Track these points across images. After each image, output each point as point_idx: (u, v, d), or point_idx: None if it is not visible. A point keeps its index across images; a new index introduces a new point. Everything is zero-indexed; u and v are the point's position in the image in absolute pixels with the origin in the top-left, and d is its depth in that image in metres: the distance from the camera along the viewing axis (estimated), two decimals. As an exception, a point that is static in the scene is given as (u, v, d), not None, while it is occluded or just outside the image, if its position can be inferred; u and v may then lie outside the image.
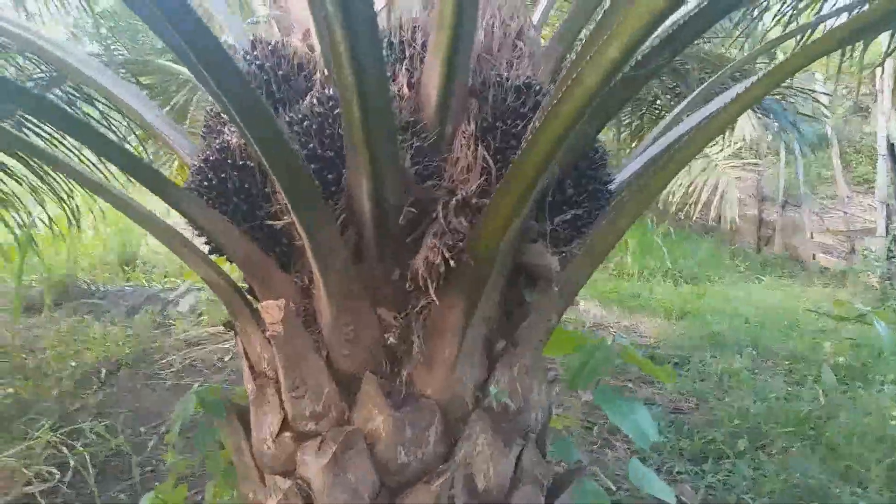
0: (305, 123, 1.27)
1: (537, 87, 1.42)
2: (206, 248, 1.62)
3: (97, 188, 1.47)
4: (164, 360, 4.48)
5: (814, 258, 8.93)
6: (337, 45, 0.91)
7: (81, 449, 3.09)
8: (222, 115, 1.59)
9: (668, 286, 6.85)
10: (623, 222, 1.43)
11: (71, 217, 5.03)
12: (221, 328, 5.17)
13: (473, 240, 1.27)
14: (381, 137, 1.10)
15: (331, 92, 1.29)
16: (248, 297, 1.67)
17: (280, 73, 1.41)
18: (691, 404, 3.74)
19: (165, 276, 7.32)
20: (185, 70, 2.75)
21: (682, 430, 3.41)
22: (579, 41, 1.66)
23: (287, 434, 1.55)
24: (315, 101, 1.29)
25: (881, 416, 3.24)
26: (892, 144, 7.22)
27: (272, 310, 1.43)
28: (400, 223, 1.30)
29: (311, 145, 1.28)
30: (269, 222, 1.43)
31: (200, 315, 5.37)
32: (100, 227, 6.80)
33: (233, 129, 1.50)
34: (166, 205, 1.40)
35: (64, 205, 4.89)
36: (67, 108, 3.08)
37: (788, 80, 3.77)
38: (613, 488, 2.81)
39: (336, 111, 1.25)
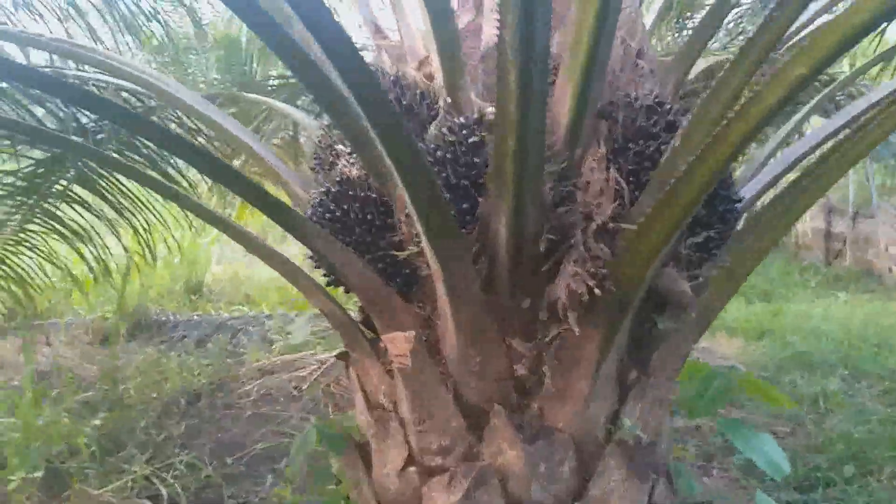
0: (438, 153, 1.25)
1: (668, 107, 1.36)
2: (322, 280, 1.61)
3: (218, 221, 1.48)
4: (240, 390, 4.52)
5: (890, 271, 8.54)
6: (507, 75, 0.88)
7: (173, 481, 3.11)
8: (336, 146, 1.58)
9: (741, 304, 6.63)
10: (765, 244, 1.35)
11: (146, 249, 5.17)
12: (292, 356, 5.21)
13: (616, 266, 1.22)
14: (531, 167, 1.07)
15: (462, 120, 1.26)
16: (364, 329, 1.64)
17: (404, 102, 1.39)
18: (787, 429, 3.58)
19: (232, 304, 7.43)
20: (268, 100, 2.79)
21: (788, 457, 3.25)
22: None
23: (412, 469, 1.51)
24: (446, 130, 1.26)
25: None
26: (977, 150, 6.87)
27: (399, 341, 1.40)
28: (537, 251, 1.26)
29: (443, 175, 1.25)
30: (394, 253, 1.41)
31: (272, 344, 5.41)
32: (168, 258, 6.94)
33: (351, 160, 1.48)
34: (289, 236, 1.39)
35: (139, 237, 5.01)
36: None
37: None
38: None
39: (471, 140, 1.22)
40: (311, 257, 1.56)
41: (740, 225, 1.57)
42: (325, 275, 1.58)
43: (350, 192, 1.43)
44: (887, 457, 3.04)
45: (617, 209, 1.30)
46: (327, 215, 1.44)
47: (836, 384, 4.07)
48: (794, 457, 3.20)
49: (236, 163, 3.55)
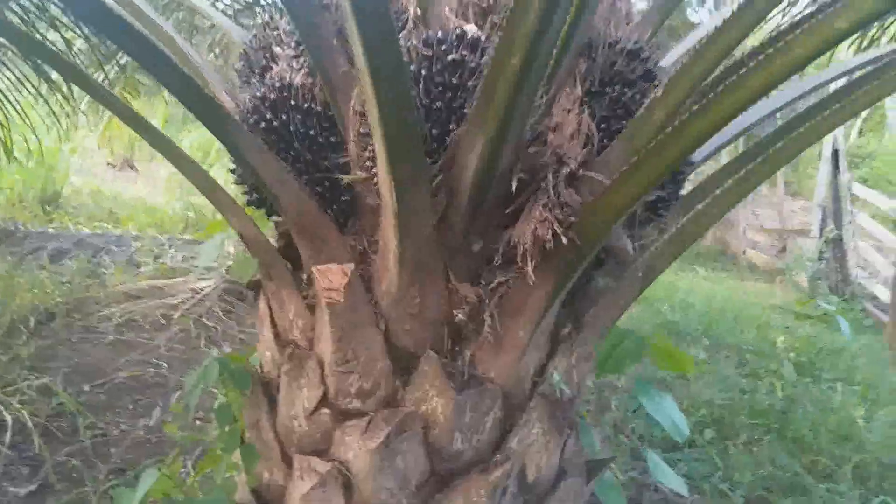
0: (411, 68, 1.11)
1: (647, 54, 1.30)
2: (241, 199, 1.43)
3: (131, 117, 1.26)
4: (101, 313, 4.14)
5: (744, 253, 9.27)
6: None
7: (20, 406, 2.79)
8: (273, 48, 1.39)
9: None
10: (717, 211, 1.33)
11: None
12: (161, 282, 4.85)
13: (585, 216, 1.15)
14: (526, 95, 0.96)
15: (440, 35, 1.12)
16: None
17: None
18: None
19: (93, 221, 6.81)
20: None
21: (650, 418, 3.43)
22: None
23: (325, 411, 1.39)
24: (420, 42, 1.12)
25: (845, 413, 3.37)
26: (836, 150, 7.54)
27: (334, 274, 1.27)
28: (504, 190, 1.16)
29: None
30: (339, 176, 1.26)
31: (139, 267, 5.00)
32: (21, 161, 6.20)
33: (296, 64, 1.30)
34: (220, 142, 1.20)
35: (-5, 132, 4.43)
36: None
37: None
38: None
39: (450, 57, 1.09)
40: (234, 171, 1.38)
41: (685, 189, 1.55)
42: (246, 193, 1.40)
43: (292, 102, 1.26)
44: (745, 424, 3.29)
45: (586, 156, 1.22)
46: (262, 125, 1.26)
47: (701, 353, 4.35)
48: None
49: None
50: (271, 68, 1.39)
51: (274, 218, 1.47)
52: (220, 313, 4.62)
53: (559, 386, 1.44)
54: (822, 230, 7.71)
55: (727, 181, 1.30)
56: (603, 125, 1.26)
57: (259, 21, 1.52)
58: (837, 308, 5.68)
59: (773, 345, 4.68)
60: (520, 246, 1.17)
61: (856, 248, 7.96)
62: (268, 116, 1.25)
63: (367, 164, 1.23)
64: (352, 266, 1.24)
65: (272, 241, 1.52)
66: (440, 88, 1.09)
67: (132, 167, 11.14)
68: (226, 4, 3.13)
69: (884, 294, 7.28)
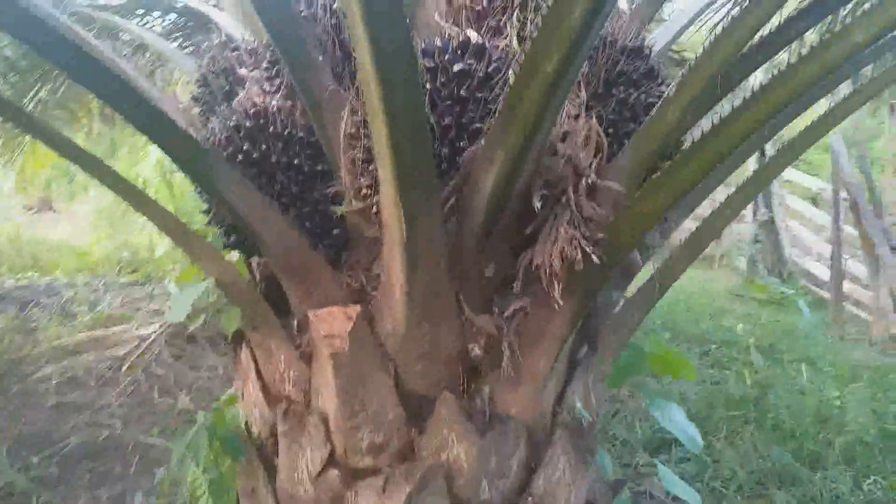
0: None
1: (647, 51, 1.21)
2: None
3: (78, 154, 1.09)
4: (38, 374, 3.81)
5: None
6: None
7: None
8: (238, 70, 1.24)
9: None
10: (732, 211, 1.26)
11: None
12: (101, 332, 4.52)
13: (611, 231, 1.05)
14: (557, 101, 0.85)
15: (439, 43, 1.01)
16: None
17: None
18: (626, 392, 3.73)
19: (14, 271, 6.33)
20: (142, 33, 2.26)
21: (627, 420, 3.38)
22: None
23: (334, 472, 1.24)
24: (419, 53, 1.00)
25: (818, 395, 3.39)
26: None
27: (335, 319, 1.13)
28: (522, 208, 1.05)
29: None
30: (333, 208, 1.12)
31: (75, 318, 4.65)
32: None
33: (270, 87, 1.16)
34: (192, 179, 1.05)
35: None
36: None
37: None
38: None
39: (456, 67, 0.97)
40: (208, 211, 1.22)
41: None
42: (223, 234, 1.25)
43: (271, 129, 1.12)
44: (724, 416, 3.27)
45: (598, 164, 1.13)
46: (239, 157, 1.11)
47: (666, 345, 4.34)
48: (635, 419, 3.34)
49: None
50: (236, 93, 1.25)
51: (255, 259, 1.32)
52: (170, 359, 4.35)
53: (581, 414, 1.34)
54: (755, 214, 7.91)
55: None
56: (610, 129, 1.17)
57: (210, 42, 1.37)
58: (785, 289, 5.82)
59: (733, 331, 4.72)
60: (544, 268, 1.06)
61: (787, 229, 8.23)
62: (245, 147, 1.11)
63: (364, 192, 1.09)
64: (357, 309, 1.10)
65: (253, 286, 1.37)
66: (448, 102, 0.97)
67: (51, 208, 10.52)
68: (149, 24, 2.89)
69: (818, 270, 7.54)
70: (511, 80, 0.87)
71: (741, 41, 0.99)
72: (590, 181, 1.06)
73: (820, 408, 3.23)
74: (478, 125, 1.00)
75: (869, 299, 6.01)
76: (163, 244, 5.75)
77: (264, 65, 1.18)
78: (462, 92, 0.97)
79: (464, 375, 1.23)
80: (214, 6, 1.81)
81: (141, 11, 2.64)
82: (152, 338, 4.19)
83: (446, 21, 1.12)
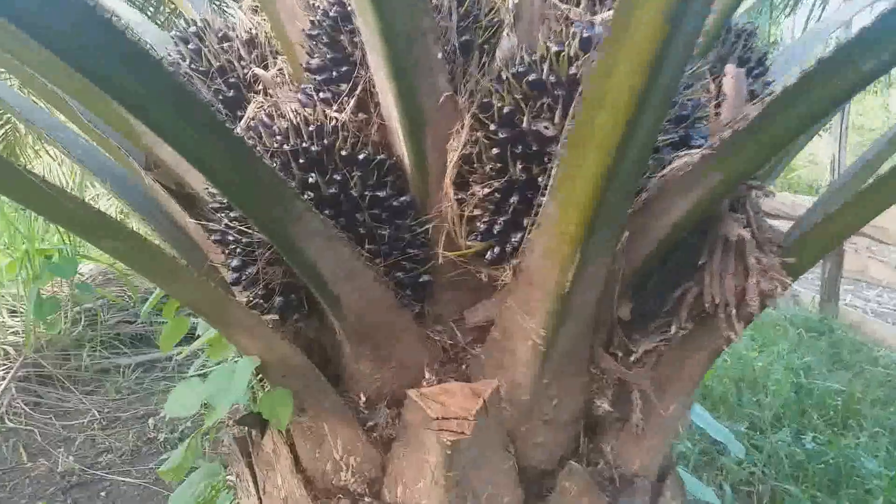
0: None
1: (756, 35, 1.05)
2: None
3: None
4: None
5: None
6: None
7: None
8: (246, 67, 0.91)
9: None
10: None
11: None
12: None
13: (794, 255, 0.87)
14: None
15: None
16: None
17: None
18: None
19: None
20: None
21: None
22: None
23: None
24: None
25: (740, 358, 3.50)
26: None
27: (453, 396, 0.86)
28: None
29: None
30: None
31: None
32: None
33: (324, 95, 0.85)
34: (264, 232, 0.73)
35: None
36: None
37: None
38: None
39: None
40: (238, 268, 0.89)
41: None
42: (260, 298, 0.92)
43: (343, 152, 0.81)
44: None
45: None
46: (304, 194, 0.80)
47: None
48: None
49: None
50: (246, 101, 0.92)
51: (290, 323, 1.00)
52: (27, 408, 3.69)
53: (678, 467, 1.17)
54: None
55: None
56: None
57: (184, 32, 1.02)
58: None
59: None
60: (722, 305, 0.86)
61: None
62: (311, 180, 0.80)
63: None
64: (492, 384, 0.84)
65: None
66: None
67: None
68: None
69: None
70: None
71: None
72: (761, 192, 0.87)
73: (747, 372, 3.34)
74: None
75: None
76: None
77: (315, 64, 0.86)
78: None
79: (585, 436, 1.01)
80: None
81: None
82: (1, 385, 3.48)
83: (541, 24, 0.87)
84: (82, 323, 4.31)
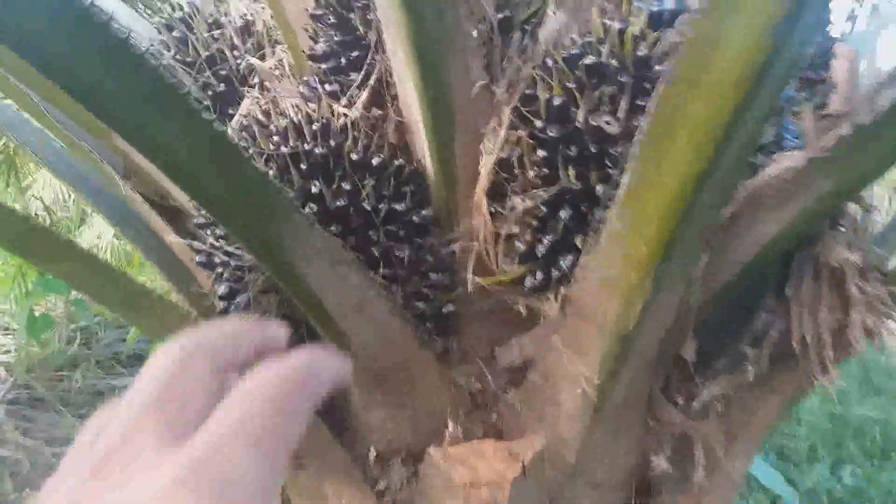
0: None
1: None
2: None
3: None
4: None
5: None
6: None
7: None
8: (238, 57, 0.77)
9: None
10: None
11: None
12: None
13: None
14: None
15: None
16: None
17: None
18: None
19: None
20: None
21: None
22: None
23: None
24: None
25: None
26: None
27: (483, 458, 0.70)
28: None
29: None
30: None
31: None
32: None
33: (330, 87, 0.71)
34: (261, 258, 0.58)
35: None
36: None
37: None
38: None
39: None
40: (229, 296, 0.74)
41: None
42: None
43: (353, 157, 0.66)
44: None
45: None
46: (307, 208, 0.65)
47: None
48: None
49: None
50: (240, 96, 0.78)
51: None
52: (18, 434, 3.53)
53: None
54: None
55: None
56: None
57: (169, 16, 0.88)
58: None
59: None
60: (813, 343, 0.70)
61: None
62: (315, 190, 0.65)
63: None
64: (535, 446, 0.68)
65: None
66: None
67: None
68: None
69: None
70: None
71: None
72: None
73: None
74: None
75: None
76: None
77: (320, 49, 0.71)
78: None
79: (637, 496, 0.85)
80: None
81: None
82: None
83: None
84: (77, 341, 4.16)
